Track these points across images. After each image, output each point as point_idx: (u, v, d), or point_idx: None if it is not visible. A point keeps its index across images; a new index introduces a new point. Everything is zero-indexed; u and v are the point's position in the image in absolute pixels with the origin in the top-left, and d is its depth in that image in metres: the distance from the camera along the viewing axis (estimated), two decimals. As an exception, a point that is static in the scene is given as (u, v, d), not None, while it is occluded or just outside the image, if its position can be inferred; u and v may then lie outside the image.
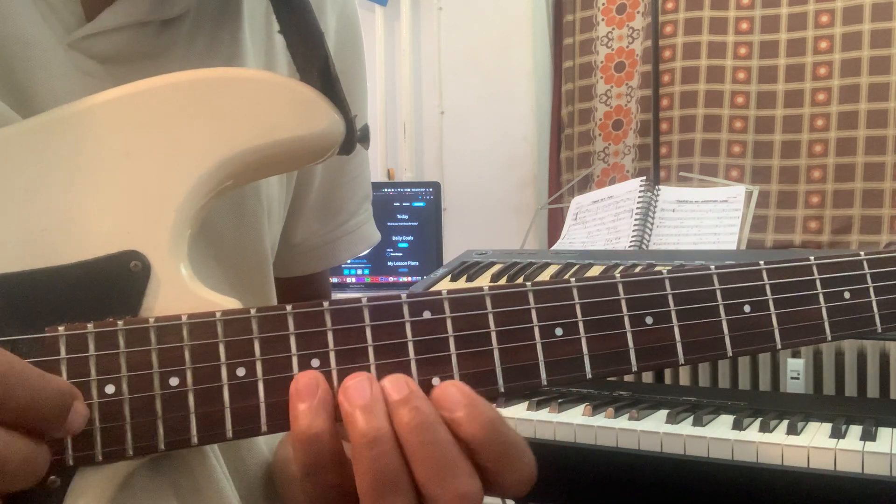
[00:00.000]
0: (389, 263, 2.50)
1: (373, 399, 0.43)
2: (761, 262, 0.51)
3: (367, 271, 2.50)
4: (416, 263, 2.49)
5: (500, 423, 0.44)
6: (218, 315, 0.44)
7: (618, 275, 0.48)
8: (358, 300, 0.45)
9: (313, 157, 0.52)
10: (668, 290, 0.48)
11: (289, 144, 0.50)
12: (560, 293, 0.47)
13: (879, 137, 2.18)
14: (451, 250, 2.11)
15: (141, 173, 0.48)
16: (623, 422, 1.11)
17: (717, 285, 0.49)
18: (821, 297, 0.51)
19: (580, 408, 1.18)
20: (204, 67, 0.55)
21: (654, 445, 1.07)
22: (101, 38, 0.55)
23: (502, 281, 1.39)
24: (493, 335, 0.46)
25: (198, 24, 0.60)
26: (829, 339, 0.51)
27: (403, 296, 0.45)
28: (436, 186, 2.54)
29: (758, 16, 2.34)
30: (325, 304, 0.45)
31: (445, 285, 1.43)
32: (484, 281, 1.42)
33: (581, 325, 0.47)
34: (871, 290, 0.52)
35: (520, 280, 1.37)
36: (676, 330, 0.48)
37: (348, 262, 2.47)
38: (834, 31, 2.24)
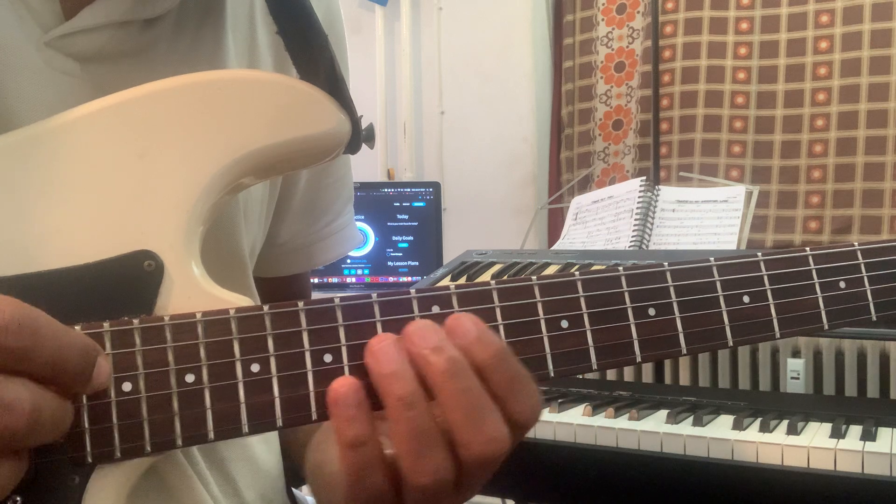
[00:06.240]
0: (389, 263, 2.50)
1: (402, 362, 0.44)
2: (759, 254, 0.52)
3: (367, 271, 2.51)
4: (416, 263, 2.49)
5: (508, 353, 0.46)
6: (232, 312, 0.45)
7: (621, 268, 0.49)
8: (368, 296, 0.46)
9: (321, 155, 0.52)
10: (670, 282, 0.50)
11: (298, 144, 0.51)
12: (565, 286, 0.48)
13: (879, 137, 2.19)
14: (451, 250, 2.11)
15: (154, 174, 0.48)
16: (623, 422, 1.11)
17: (716, 276, 0.50)
18: (817, 287, 0.52)
19: (580, 408, 1.18)
20: (186, 67, 0.55)
21: (654, 445, 1.07)
22: (79, 36, 0.55)
23: (503, 281, 1.38)
24: (501, 328, 0.47)
25: (180, 24, 0.60)
26: (826, 327, 0.52)
27: (412, 291, 0.46)
28: (436, 186, 2.54)
29: (758, 16, 2.34)
30: (337, 299, 0.46)
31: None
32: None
33: (586, 318, 0.48)
34: (866, 279, 0.53)
35: (521, 280, 1.38)
36: (678, 321, 0.49)
37: (348, 262, 2.48)
38: (834, 31, 2.24)
